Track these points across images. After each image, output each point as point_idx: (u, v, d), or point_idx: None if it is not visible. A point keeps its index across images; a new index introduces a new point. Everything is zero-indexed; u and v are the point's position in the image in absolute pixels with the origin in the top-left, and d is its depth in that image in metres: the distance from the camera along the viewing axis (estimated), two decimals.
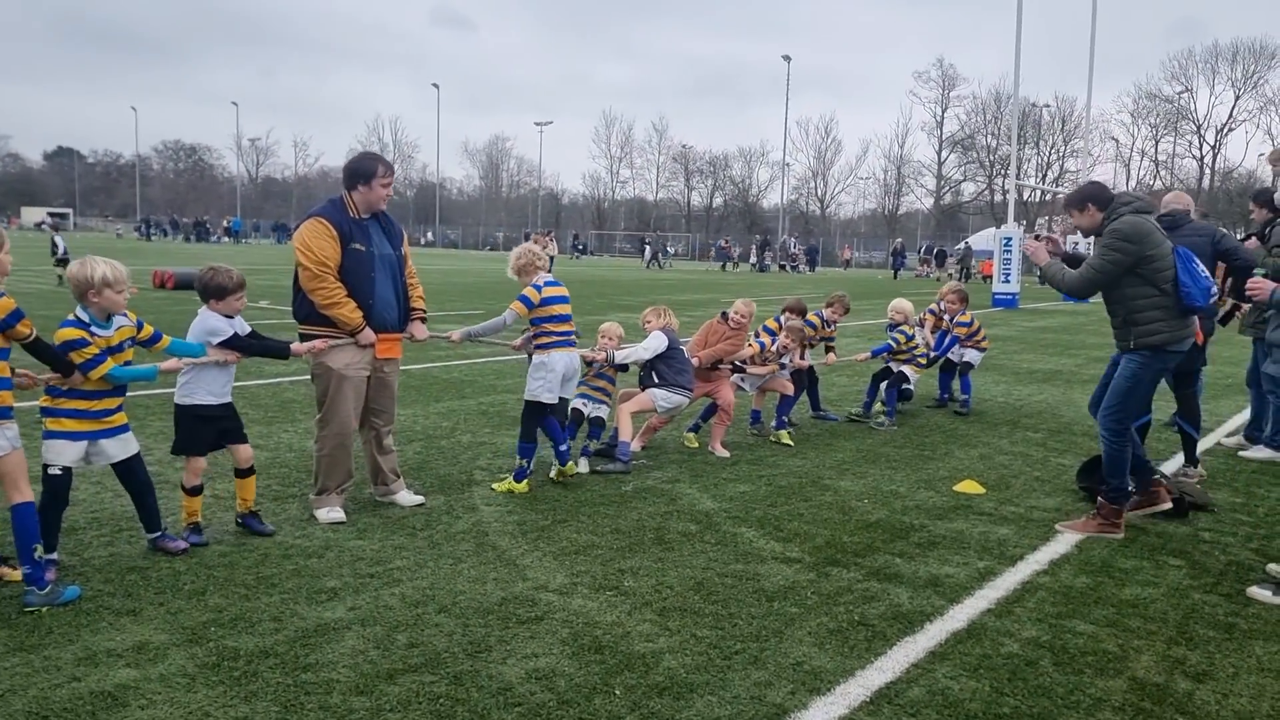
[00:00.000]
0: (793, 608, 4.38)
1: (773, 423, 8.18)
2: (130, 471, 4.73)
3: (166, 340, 4.84)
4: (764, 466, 7.12)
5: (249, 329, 5.24)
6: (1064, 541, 5.54)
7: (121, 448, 4.66)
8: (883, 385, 9.12)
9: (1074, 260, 6.04)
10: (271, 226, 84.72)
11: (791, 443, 7.86)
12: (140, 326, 4.72)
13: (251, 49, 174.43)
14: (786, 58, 71.75)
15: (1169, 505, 5.88)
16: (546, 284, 6.15)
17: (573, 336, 6.30)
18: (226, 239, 76.24)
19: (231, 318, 5.12)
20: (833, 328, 9.40)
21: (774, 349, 8.14)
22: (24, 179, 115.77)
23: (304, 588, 4.39)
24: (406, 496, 5.81)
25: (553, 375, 6.12)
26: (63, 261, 22.95)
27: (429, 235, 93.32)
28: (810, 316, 8.91)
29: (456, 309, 19.60)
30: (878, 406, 9.13)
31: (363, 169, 5.46)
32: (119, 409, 4.64)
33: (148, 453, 6.66)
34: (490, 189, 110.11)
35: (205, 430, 5.03)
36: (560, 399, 6.25)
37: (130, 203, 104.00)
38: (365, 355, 5.51)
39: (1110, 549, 5.41)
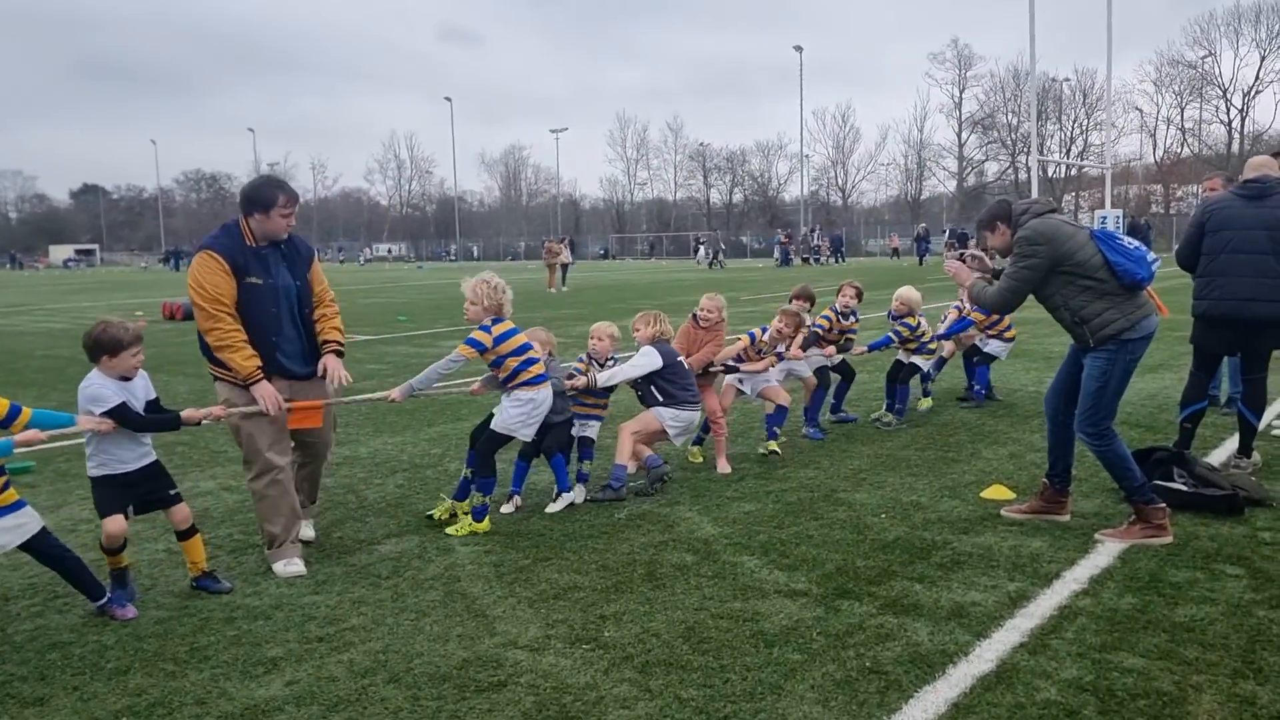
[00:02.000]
0: (795, 654, 3.83)
1: (803, 429, 7.58)
2: (37, 551, 4.23)
3: (28, 414, 4.21)
4: (772, 481, 6.54)
5: (152, 396, 4.63)
6: (1105, 552, 4.94)
7: (13, 531, 4.11)
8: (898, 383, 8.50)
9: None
10: None
11: (779, 450, 7.15)
12: None
13: (263, 76, 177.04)
14: (798, 48, 71.07)
15: (1065, 518, 5.47)
16: (494, 321, 5.53)
17: (542, 369, 5.71)
18: None
19: (129, 380, 4.49)
20: (853, 318, 8.36)
21: (765, 339, 7.31)
22: (51, 218, 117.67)
23: (241, 659, 3.89)
24: (304, 529, 5.29)
25: (539, 411, 5.62)
26: None
27: (453, 249, 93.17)
28: (826, 311, 8.27)
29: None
30: (880, 410, 8.48)
31: (259, 197, 4.80)
32: (4, 487, 4.10)
33: (75, 519, 6.24)
34: (510, 199, 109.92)
35: (122, 496, 4.51)
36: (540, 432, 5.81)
37: (155, 235, 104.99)
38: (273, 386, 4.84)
39: (1158, 559, 4.80)
